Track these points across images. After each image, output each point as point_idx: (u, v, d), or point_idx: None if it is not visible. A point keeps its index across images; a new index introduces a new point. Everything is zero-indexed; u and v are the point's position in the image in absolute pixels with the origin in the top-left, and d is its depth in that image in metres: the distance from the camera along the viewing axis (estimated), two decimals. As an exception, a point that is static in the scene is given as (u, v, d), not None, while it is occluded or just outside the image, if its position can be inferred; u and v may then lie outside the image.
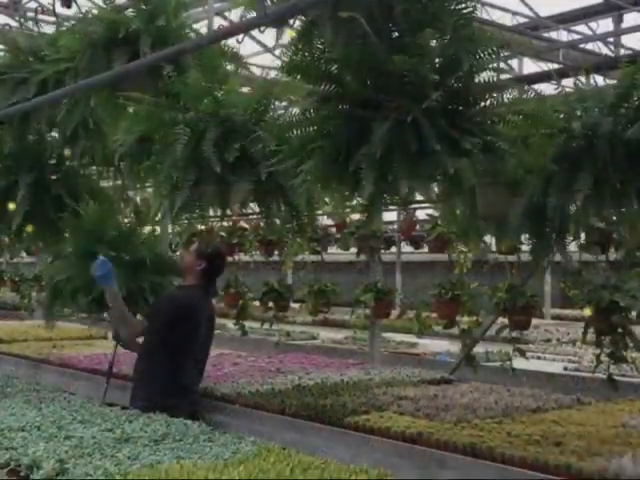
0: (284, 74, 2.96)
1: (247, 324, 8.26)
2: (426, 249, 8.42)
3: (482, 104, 2.92)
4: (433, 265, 12.97)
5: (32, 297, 12.05)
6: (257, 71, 11.20)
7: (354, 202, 3.42)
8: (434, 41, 2.79)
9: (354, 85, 2.83)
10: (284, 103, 3.83)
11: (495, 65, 2.88)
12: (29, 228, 5.02)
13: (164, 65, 3.72)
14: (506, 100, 2.94)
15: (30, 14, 5.14)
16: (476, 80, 2.89)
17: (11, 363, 7.08)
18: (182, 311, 4.73)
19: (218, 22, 4.58)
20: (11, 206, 4.78)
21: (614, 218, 3.61)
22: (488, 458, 3.46)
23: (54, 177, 5.02)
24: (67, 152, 4.97)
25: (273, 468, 2.85)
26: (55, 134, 5.47)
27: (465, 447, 3.56)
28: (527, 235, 3.51)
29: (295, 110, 3.09)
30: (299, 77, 2.93)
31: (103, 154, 4.83)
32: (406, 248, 12.17)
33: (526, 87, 3.22)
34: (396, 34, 2.82)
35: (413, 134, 2.73)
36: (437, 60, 2.82)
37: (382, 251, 8.05)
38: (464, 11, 2.75)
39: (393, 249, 12.29)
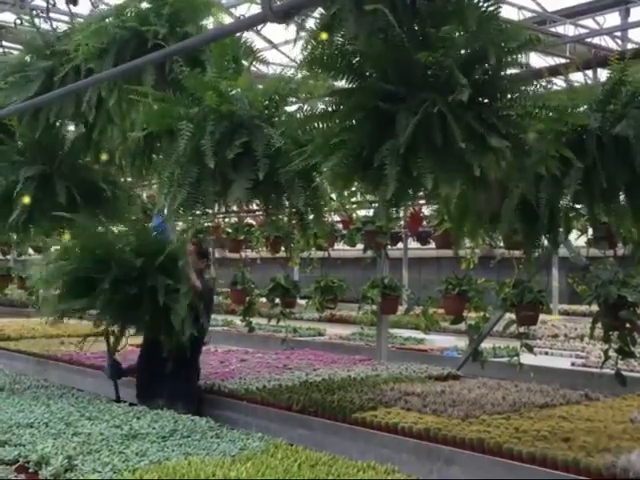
0: (304, 68, 2.91)
1: (254, 320, 8.27)
2: (433, 245, 8.40)
3: (509, 97, 2.85)
4: (440, 261, 12.98)
5: (40, 294, 12.09)
6: (262, 68, 11.20)
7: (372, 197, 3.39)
8: (459, 33, 2.73)
9: (377, 78, 2.78)
10: (295, 99, 3.78)
11: (521, 58, 2.82)
12: (35, 222, 4.99)
13: (178, 61, 3.69)
14: (533, 93, 2.87)
15: (39, 12, 5.12)
16: (502, 73, 2.82)
17: (19, 360, 7.11)
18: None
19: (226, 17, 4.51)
20: (25, 199, 4.74)
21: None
22: (496, 454, 3.45)
23: (64, 172, 4.97)
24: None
25: (281, 464, 2.85)
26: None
27: (473, 443, 3.56)
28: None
29: (315, 105, 3.04)
30: (320, 71, 2.88)
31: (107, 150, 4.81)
32: (413, 244, 12.16)
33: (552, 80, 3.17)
34: (420, 26, 2.75)
35: (439, 128, 2.68)
36: (462, 53, 2.75)
37: (389, 247, 8.04)
38: (489, 2, 2.70)
39: (400, 245, 12.27)
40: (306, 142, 3.25)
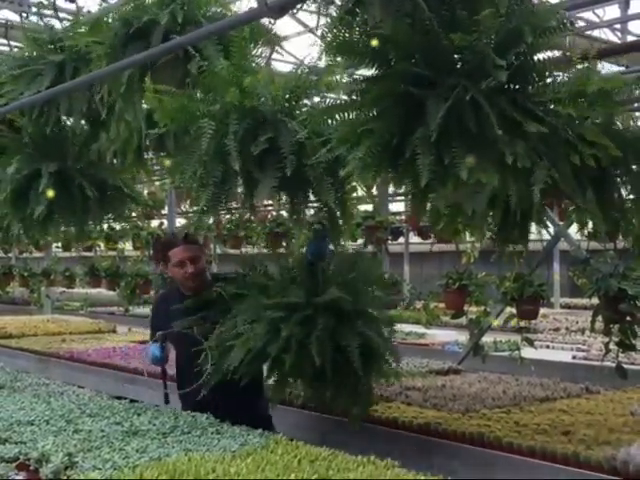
0: (327, 55, 2.79)
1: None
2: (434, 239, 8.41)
3: (545, 82, 2.77)
4: (441, 255, 12.98)
5: (41, 292, 12.13)
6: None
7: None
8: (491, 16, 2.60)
9: (406, 63, 2.70)
10: (315, 92, 3.68)
11: (557, 40, 2.73)
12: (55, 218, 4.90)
13: (192, 55, 3.61)
14: (569, 78, 2.80)
15: (36, 9, 5.12)
16: (536, 57, 2.73)
17: (21, 358, 7.12)
18: None
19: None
20: (50, 193, 4.66)
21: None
22: (496, 448, 3.46)
23: (77, 167, 4.90)
24: (98, 154, 4.81)
25: (281, 459, 2.85)
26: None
27: (473, 437, 3.56)
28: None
29: (342, 92, 2.97)
30: (344, 58, 2.78)
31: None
32: (414, 239, 12.17)
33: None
34: (448, 8, 2.66)
35: (471, 114, 2.60)
36: (494, 36, 2.66)
37: (390, 242, 8.05)
38: None
39: (401, 239, 12.28)
40: (330, 135, 3.18)
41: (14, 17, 7.34)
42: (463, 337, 7.11)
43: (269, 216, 9.53)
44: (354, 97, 2.87)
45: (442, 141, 2.63)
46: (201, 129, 3.33)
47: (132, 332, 8.90)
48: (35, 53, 4.54)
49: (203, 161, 3.40)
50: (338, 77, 3.08)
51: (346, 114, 2.93)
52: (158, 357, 3.96)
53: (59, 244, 12.46)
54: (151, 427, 3.44)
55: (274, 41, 3.92)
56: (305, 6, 2.87)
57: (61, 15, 5.32)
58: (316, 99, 3.63)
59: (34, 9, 5.19)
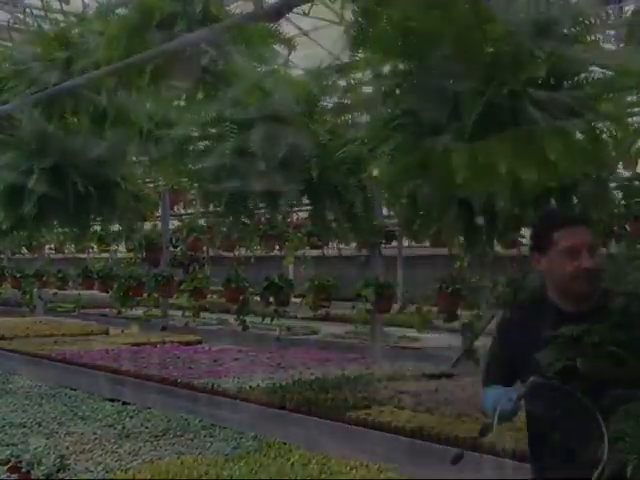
0: (352, 50, 2.68)
1: (248, 319, 8.27)
2: (427, 243, 8.41)
3: (582, 77, 2.68)
4: (434, 259, 12.98)
5: (34, 293, 12.08)
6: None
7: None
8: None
9: (439, 57, 2.61)
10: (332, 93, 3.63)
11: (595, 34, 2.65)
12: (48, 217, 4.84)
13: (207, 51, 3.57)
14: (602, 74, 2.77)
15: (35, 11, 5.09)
16: (572, 50, 2.63)
17: (13, 359, 7.09)
18: None
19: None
20: (41, 191, 4.60)
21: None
22: (489, 452, 3.46)
23: (76, 164, 4.84)
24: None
25: (274, 463, 2.86)
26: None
27: (466, 441, 3.56)
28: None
29: (376, 85, 2.92)
30: (370, 52, 2.76)
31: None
32: (408, 242, 12.15)
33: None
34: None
35: (509, 109, 2.51)
36: (531, 27, 2.57)
37: (384, 245, 8.05)
38: None
39: (394, 243, 12.26)
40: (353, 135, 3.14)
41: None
42: (457, 341, 7.12)
43: (262, 219, 9.52)
44: (384, 92, 2.81)
45: (477, 136, 2.58)
46: (224, 131, 3.30)
47: (124, 334, 8.88)
48: (39, 50, 4.51)
49: (224, 163, 3.37)
50: (362, 73, 3.03)
51: (377, 108, 2.88)
52: (508, 413, 2.26)
53: (52, 245, 12.42)
54: (143, 430, 3.45)
55: (290, 43, 3.89)
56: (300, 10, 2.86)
57: (60, 15, 5.32)
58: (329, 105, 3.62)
59: (33, 10, 5.14)
